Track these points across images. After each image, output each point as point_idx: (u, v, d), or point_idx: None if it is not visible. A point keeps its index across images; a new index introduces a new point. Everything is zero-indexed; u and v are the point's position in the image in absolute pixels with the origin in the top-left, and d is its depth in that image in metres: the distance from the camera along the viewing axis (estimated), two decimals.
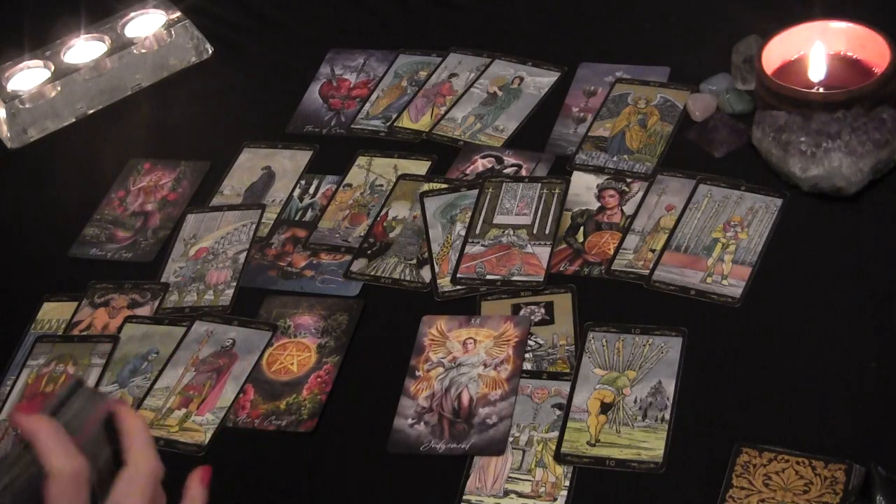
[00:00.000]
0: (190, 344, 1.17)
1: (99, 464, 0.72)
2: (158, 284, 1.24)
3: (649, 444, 1.00)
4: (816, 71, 1.24)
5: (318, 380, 1.11)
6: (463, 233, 1.21)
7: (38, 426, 0.70)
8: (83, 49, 1.50)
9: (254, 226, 1.28)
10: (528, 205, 1.22)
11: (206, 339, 1.17)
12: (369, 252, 1.22)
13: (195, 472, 0.77)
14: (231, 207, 1.31)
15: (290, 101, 1.44)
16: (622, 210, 1.20)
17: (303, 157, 1.36)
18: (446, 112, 1.36)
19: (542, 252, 1.17)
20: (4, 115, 1.45)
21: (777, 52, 1.24)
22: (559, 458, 1.00)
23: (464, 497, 0.99)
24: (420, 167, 1.31)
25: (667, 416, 1.01)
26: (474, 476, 1.01)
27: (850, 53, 1.25)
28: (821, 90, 1.21)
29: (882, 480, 0.89)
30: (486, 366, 1.09)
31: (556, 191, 1.22)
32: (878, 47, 1.21)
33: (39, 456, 0.69)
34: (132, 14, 1.53)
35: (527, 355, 1.09)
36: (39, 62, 1.49)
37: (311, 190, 1.31)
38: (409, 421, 1.06)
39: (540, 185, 1.23)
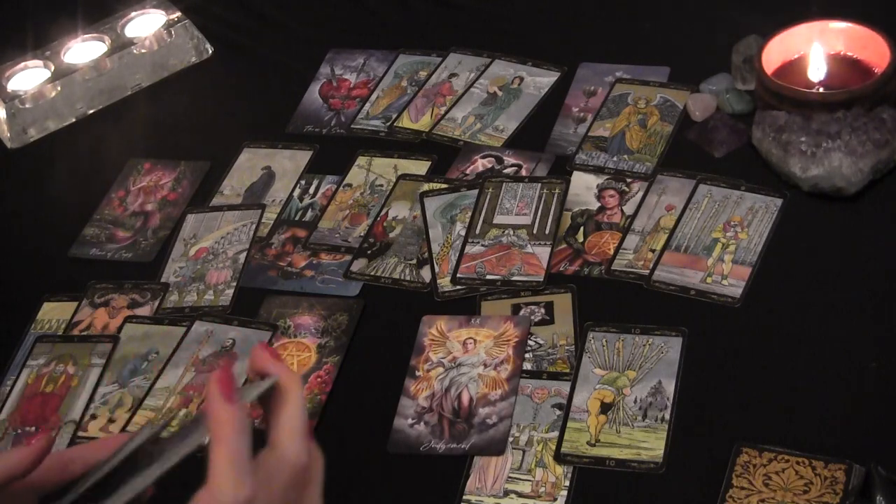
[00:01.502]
0: (190, 344, 1.17)
1: None
2: (158, 284, 1.24)
3: (649, 444, 1.00)
4: (816, 71, 1.24)
5: (318, 380, 1.11)
6: (463, 233, 1.21)
7: (224, 433, 0.64)
8: (83, 49, 1.50)
9: (254, 226, 1.28)
10: (528, 205, 1.22)
11: (206, 339, 1.17)
12: (369, 252, 1.22)
13: (260, 349, 0.70)
14: (231, 207, 1.31)
15: (290, 101, 1.44)
16: (622, 210, 1.20)
17: (303, 157, 1.36)
18: (446, 112, 1.36)
19: (542, 252, 1.17)
20: (4, 115, 1.45)
21: (777, 52, 1.24)
22: (559, 458, 1.00)
23: (464, 497, 0.99)
24: (420, 167, 1.31)
25: (667, 416, 1.01)
26: (474, 476, 1.01)
27: (850, 53, 1.25)
28: (821, 90, 1.21)
29: (882, 480, 0.89)
30: (486, 366, 1.09)
31: (556, 191, 1.22)
32: (878, 47, 1.21)
33: (208, 465, 0.64)
34: (132, 14, 1.53)
35: (527, 355, 1.09)
36: (39, 62, 1.49)
37: (311, 190, 1.31)
38: (409, 421, 1.06)
39: (540, 185, 1.23)
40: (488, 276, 1.16)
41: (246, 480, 0.64)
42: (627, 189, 1.22)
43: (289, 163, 1.35)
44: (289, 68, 1.49)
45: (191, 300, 1.22)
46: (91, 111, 1.49)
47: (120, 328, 1.20)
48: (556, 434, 1.02)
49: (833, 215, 1.15)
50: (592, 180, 1.24)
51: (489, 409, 1.05)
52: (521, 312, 1.12)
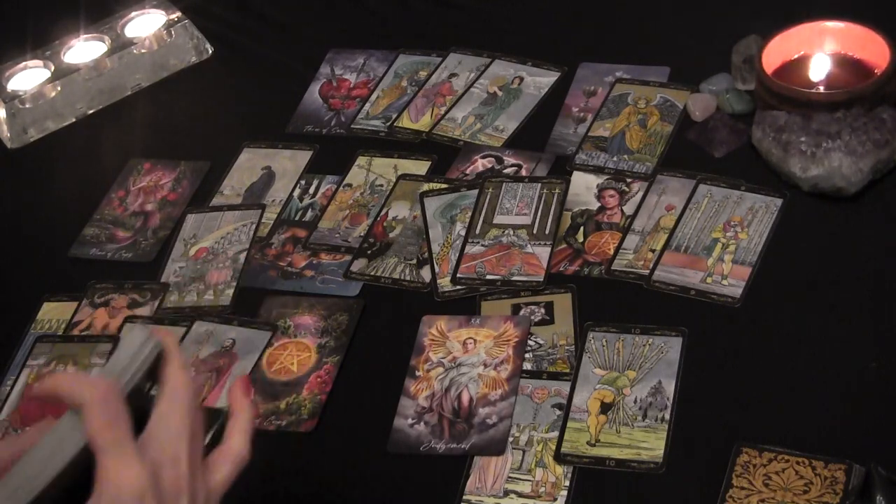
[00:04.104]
0: (190, 344, 1.17)
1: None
2: (158, 284, 1.24)
3: (649, 444, 0.99)
4: (816, 71, 1.24)
5: (318, 380, 1.11)
6: (463, 233, 1.21)
7: (51, 382, 0.69)
8: (83, 49, 1.50)
9: (254, 226, 1.28)
10: (528, 205, 1.22)
11: (206, 339, 1.17)
12: (369, 252, 1.22)
13: (236, 383, 0.77)
14: (231, 207, 1.31)
15: (290, 101, 1.44)
16: (622, 210, 1.20)
17: (303, 157, 1.36)
18: (446, 112, 1.36)
19: (542, 252, 1.17)
20: (4, 115, 1.45)
21: (777, 52, 1.24)
22: (559, 458, 1.00)
23: (464, 497, 0.99)
24: (420, 167, 1.31)
25: (667, 416, 1.01)
26: (474, 476, 1.01)
27: (850, 53, 1.25)
28: (821, 90, 1.21)
29: (882, 480, 0.89)
30: (486, 366, 1.08)
31: (556, 191, 1.22)
32: (878, 47, 1.21)
33: (68, 401, 0.68)
34: (132, 14, 1.53)
35: (527, 355, 1.09)
36: (39, 62, 1.49)
37: (311, 190, 1.31)
38: (409, 421, 1.06)
39: (540, 185, 1.23)
40: (488, 276, 1.16)
41: (92, 378, 0.70)
42: (627, 189, 1.22)
43: (289, 163, 1.35)
44: (289, 68, 1.49)
45: (191, 300, 1.22)
46: (91, 111, 1.49)
47: (120, 328, 1.20)
48: (556, 434, 1.02)
49: (833, 215, 1.15)
50: (592, 180, 1.24)
51: (489, 409, 1.05)
52: (521, 312, 1.12)
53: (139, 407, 0.70)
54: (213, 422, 0.74)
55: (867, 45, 1.23)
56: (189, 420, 0.71)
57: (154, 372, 0.72)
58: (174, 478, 0.69)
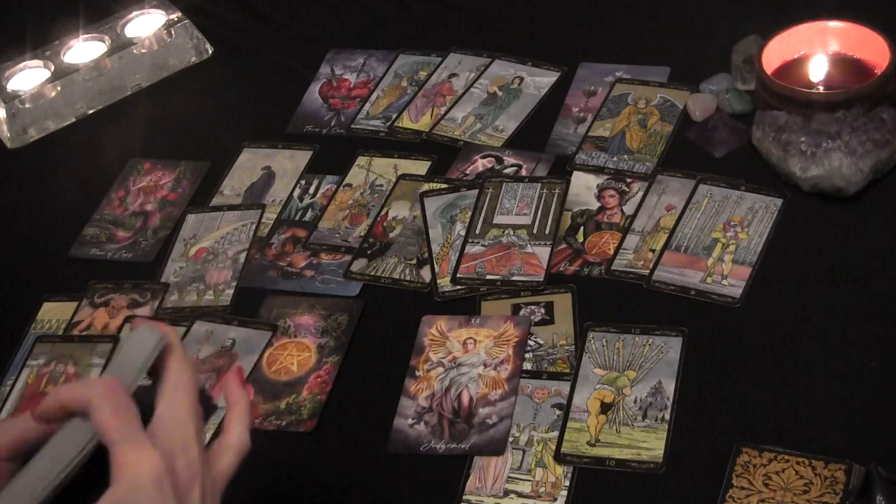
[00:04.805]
0: (190, 344, 1.17)
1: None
2: (158, 284, 1.24)
3: (649, 444, 1.00)
4: (816, 71, 1.24)
5: (318, 380, 1.11)
6: (463, 233, 1.21)
7: (52, 398, 0.70)
8: (83, 49, 1.50)
9: (254, 226, 1.28)
10: (528, 205, 1.22)
11: (206, 339, 1.17)
12: (369, 252, 1.22)
13: (231, 376, 0.80)
14: (231, 207, 1.31)
15: (290, 101, 1.44)
16: (622, 210, 1.20)
17: (303, 157, 1.36)
18: (446, 112, 1.36)
19: (542, 252, 1.17)
20: (4, 115, 1.45)
21: (777, 52, 1.24)
22: (559, 458, 1.00)
23: (464, 497, 0.99)
24: (420, 167, 1.31)
25: (667, 416, 1.01)
26: (474, 476, 1.01)
27: (850, 53, 1.25)
28: (821, 90, 1.21)
29: (882, 480, 0.89)
30: (486, 366, 1.09)
31: (556, 191, 1.22)
32: (878, 47, 1.21)
33: (73, 407, 0.69)
34: (132, 14, 1.53)
35: (527, 355, 1.09)
36: (39, 62, 1.49)
37: (311, 190, 1.31)
38: (409, 421, 1.06)
39: (540, 185, 1.23)
40: (488, 276, 1.16)
41: (94, 378, 0.70)
42: (627, 189, 1.22)
43: (289, 163, 1.35)
44: (289, 68, 1.49)
45: (191, 300, 1.22)
46: (91, 111, 1.49)
47: (120, 328, 1.20)
48: (556, 434, 1.02)
49: (833, 215, 1.15)
50: (592, 180, 1.24)
51: (489, 409, 1.05)
52: (521, 312, 1.12)
53: (144, 402, 0.71)
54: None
55: (867, 45, 1.23)
56: (194, 407, 0.72)
57: (157, 368, 0.73)
58: (187, 463, 0.70)
